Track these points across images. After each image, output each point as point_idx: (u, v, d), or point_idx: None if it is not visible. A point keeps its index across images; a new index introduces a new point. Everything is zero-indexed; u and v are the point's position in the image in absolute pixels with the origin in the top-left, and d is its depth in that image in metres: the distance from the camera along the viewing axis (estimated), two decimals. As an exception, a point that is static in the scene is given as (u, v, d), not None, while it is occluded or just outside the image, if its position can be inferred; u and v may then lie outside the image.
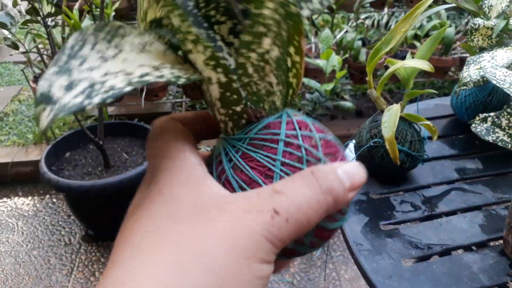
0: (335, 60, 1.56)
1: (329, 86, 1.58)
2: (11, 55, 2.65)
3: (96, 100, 0.18)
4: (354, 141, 0.77)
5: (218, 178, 0.24)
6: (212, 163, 0.25)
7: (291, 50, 0.23)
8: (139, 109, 1.81)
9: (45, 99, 0.18)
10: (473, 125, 0.62)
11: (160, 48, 0.22)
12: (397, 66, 0.69)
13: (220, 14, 0.23)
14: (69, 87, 0.18)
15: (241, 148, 0.23)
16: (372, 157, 0.71)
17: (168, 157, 0.22)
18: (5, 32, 1.37)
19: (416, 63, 0.67)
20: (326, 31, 1.55)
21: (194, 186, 0.21)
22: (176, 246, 0.19)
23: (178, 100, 1.97)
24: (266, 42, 0.21)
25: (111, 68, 0.19)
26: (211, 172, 0.24)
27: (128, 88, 0.18)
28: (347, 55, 1.79)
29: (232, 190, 0.22)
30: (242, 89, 0.23)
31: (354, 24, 1.77)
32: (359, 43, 1.71)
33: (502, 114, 0.60)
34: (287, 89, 0.24)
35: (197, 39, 0.21)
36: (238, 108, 0.23)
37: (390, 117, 0.68)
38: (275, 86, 0.24)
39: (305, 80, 1.65)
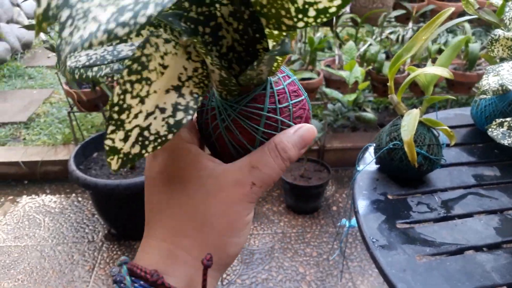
0: (358, 71, 1.59)
1: (352, 97, 1.60)
2: (49, 57, 2.77)
3: (150, 149, 0.24)
4: (374, 144, 0.79)
5: (213, 129, 0.31)
6: (205, 113, 0.31)
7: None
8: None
9: (113, 151, 0.23)
10: (490, 129, 0.64)
11: (171, 49, 0.25)
12: (418, 72, 0.71)
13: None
14: (125, 140, 0.24)
15: (233, 114, 0.30)
16: (391, 159, 0.73)
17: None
18: (43, 35, 1.45)
19: (436, 70, 0.70)
20: (350, 43, 1.58)
21: (193, 165, 0.29)
22: (184, 216, 0.29)
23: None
24: (263, 67, 0.27)
25: (149, 108, 0.24)
26: (206, 121, 0.31)
27: (170, 136, 0.24)
28: (370, 67, 1.81)
29: (224, 143, 0.30)
30: (235, 81, 0.28)
31: (379, 38, 1.80)
32: (383, 56, 1.74)
33: (519, 119, 0.62)
34: (272, 68, 0.30)
35: (204, 51, 0.25)
36: (233, 88, 0.28)
37: (410, 121, 0.70)
38: (264, 71, 0.29)
39: (327, 90, 1.68)
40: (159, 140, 0.24)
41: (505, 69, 0.74)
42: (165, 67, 0.25)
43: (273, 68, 0.31)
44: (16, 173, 2.02)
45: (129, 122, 0.23)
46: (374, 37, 1.83)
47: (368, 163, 0.78)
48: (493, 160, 0.83)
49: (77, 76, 0.29)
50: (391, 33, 2.08)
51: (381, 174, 0.78)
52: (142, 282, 0.27)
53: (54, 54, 1.43)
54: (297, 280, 1.51)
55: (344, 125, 2.21)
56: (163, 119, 0.24)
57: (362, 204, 0.71)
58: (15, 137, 2.23)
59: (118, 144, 0.23)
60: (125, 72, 0.23)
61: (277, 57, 0.30)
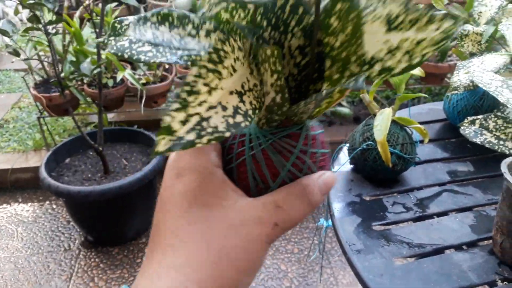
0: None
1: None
2: (12, 62, 2.68)
3: (205, 140, 0.23)
4: (347, 144, 0.78)
5: (236, 156, 0.30)
6: (232, 138, 0.30)
7: (335, 94, 0.29)
8: (138, 115, 1.82)
9: (168, 130, 0.22)
10: (462, 127, 0.64)
11: (241, 57, 0.26)
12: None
13: (298, 28, 0.28)
14: (184, 122, 0.23)
15: (264, 144, 0.29)
16: (365, 159, 0.72)
17: (197, 152, 0.28)
18: (7, 39, 1.39)
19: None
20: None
21: (216, 194, 0.28)
22: (202, 244, 0.26)
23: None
24: (318, 100, 0.28)
25: (213, 101, 0.24)
26: (230, 146, 0.30)
27: (227, 134, 0.23)
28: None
29: (245, 171, 0.29)
30: (286, 109, 0.27)
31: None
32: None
33: (490, 117, 0.62)
34: (316, 110, 0.30)
35: (275, 69, 0.25)
36: (276, 117, 0.28)
37: (382, 120, 0.69)
38: (310, 110, 0.29)
39: (302, 86, 1.67)
40: (215, 135, 0.23)
41: (475, 65, 0.74)
42: (234, 70, 0.25)
43: (317, 111, 0.30)
44: (-15, 182, 1.95)
45: (193, 106, 0.23)
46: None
47: (342, 164, 0.77)
48: (466, 155, 0.84)
49: (126, 56, 0.27)
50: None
51: (355, 174, 0.77)
52: None
53: (18, 58, 1.38)
54: (279, 278, 1.50)
55: (321, 120, 2.21)
56: (223, 116, 0.24)
57: (338, 207, 0.70)
58: (-17, 144, 2.15)
59: (175, 125, 0.23)
60: (205, 57, 0.24)
61: (323, 104, 0.30)
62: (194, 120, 0.23)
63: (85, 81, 1.76)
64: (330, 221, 0.71)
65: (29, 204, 1.89)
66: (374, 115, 0.73)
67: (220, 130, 0.23)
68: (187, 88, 0.23)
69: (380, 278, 0.57)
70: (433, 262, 0.60)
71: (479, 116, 0.63)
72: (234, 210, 0.27)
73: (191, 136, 0.23)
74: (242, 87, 0.26)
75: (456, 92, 0.74)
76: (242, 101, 0.25)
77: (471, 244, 0.64)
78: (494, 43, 0.80)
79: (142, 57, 0.27)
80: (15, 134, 2.18)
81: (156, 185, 1.71)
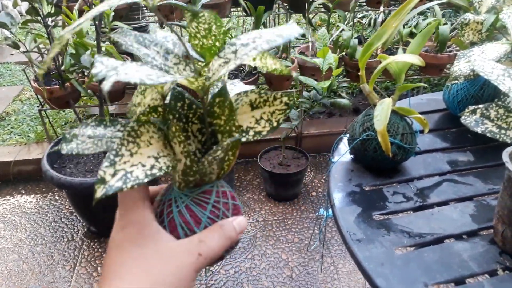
0: (332, 58, 1.58)
1: (326, 84, 1.59)
2: (12, 54, 2.68)
3: (129, 185, 0.33)
4: (347, 135, 0.78)
5: (166, 215, 0.39)
6: (162, 203, 0.40)
7: (230, 153, 0.40)
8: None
9: (102, 181, 0.32)
10: (463, 117, 0.64)
11: (156, 137, 0.38)
12: (388, 61, 0.71)
13: (195, 118, 0.41)
14: (113, 175, 0.33)
15: (186, 201, 0.39)
16: (365, 149, 0.73)
17: (136, 212, 0.37)
18: (6, 32, 1.39)
19: (407, 57, 0.69)
20: (322, 30, 1.57)
21: (152, 238, 0.36)
22: (142, 273, 0.35)
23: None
24: (219, 154, 0.38)
25: (134, 161, 0.34)
26: (161, 210, 0.40)
27: (146, 179, 0.34)
28: (343, 53, 1.80)
29: (174, 225, 0.38)
30: (196, 169, 0.38)
31: (351, 23, 1.78)
32: (355, 41, 1.73)
33: (491, 106, 0.62)
34: (221, 170, 0.41)
35: (180, 140, 0.37)
36: (191, 178, 0.39)
37: (382, 110, 0.70)
38: (215, 170, 0.40)
39: (302, 78, 1.67)
40: (137, 181, 0.33)
41: (476, 54, 0.74)
42: (150, 143, 0.37)
43: (222, 172, 0.41)
44: (-12, 174, 1.96)
45: (119, 164, 0.34)
46: (346, 22, 1.82)
47: (342, 154, 0.77)
48: (467, 145, 0.84)
49: (74, 153, 0.40)
50: (363, 17, 2.07)
51: (356, 164, 0.77)
52: None
53: (17, 51, 1.38)
54: (280, 267, 1.51)
55: (320, 111, 2.21)
56: (143, 170, 0.34)
57: (338, 197, 0.70)
58: (-16, 137, 2.15)
59: (107, 177, 0.33)
60: (126, 132, 0.35)
61: (224, 165, 0.41)
62: (121, 173, 0.33)
63: (85, 73, 1.75)
64: (330, 211, 0.72)
65: (32, 195, 1.90)
66: (374, 105, 0.73)
67: (140, 179, 0.34)
68: (113, 152, 0.34)
69: (381, 267, 0.58)
70: (434, 251, 0.61)
71: (480, 106, 0.63)
72: (167, 247, 0.36)
73: (119, 184, 0.32)
74: (158, 154, 0.37)
75: (456, 81, 0.74)
76: (157, 161, 0.36)
77: (472, 234, 0.64)
78: (495, 32, 0.80)
79: (86, 151, 0.38)
80: (17, 127, 2.19)
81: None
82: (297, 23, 1.78)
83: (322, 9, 1.93)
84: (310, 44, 1.82)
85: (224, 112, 0.39)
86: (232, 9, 1.97)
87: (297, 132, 2.03)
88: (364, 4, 1.85)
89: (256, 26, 1.84)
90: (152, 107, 0.39)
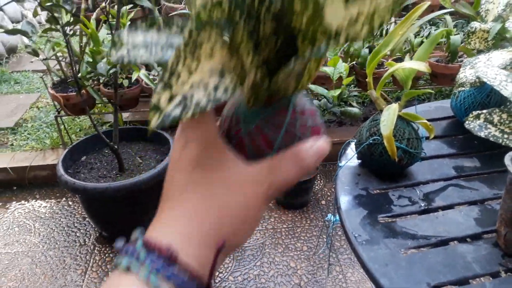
0: (342, 67, 1.60)
1: (336, 92, 1.61)
2: (32, 62, 2.74)
3: (189, 113, 0.26)
4: (355, 140, 0.80)
5: (234, 134, 0.33)
6: (229, 120, 0.34)
7: (312, 63, 0.32)
8: (143, 116, 1.86)
9: (156, 108, 0.26)
10: (467, 122, 0.65)
11: (219, 44, 0.30)
12: (396, 67, 0.72)
13: (269, 15, 0.31)
14: (169, 100, 0.27)
15: (256, 120, 0.33)
16: (372, 154, 0.74)
17: (200, 128, 0.32)
18: (26, 40, 1.44)
19: (413, 64, 0.71)
20: (334, 39, 1.59)
21: (218, 160, 0.31)
22: (205, 201, 0.31)
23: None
24: (297, 67, 0.30)
25: (194, 80, 0.28)
26: (228, 128, 0.34)
27: (209, 106, 0.27)
28: (354, 63, 1.82)
29: (243, 147, 0.33)
30: (267, 85, 0.31)
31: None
32: (366, 51, 1.75)
33: (494, 111, 0.63)
34: (298, 84, 0.33)
35: (250, 47, 0.29)
36: (262, 95, 0.32)
37: (389, 115, 0.71)
38: (291, 85, 0.32)
39: (312, 86, 1.69)
40: (198, 108, 0.27)
41: (482, 61, 0.75)
42: (211, 54, 0.29)
43: (299, 86, 0.33)
44: (4, 179, 2.00)
45: (176, 87, 0.27)
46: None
47: (349, 158, 0.79)
48: (473, 151, 0.85)
49: (125, 62, 0.32)
50: (374, 27, 2.08)
51: (362, 169, 0.79)
52: (155, 257, 0.28)
53: (37, 58, 1.43)
54: (289, 275, 1.52)
55: (331, 120, 2.22)
56: (205, 93, 0.28)
57: (345, 200, 0.72)
58: (2, 143, 2.21)
59: (163, 103, 0.27)
60: (182, 43, 0.28)
61: (304, 79, 0.33)
62: (179, 97, 0.27)
63: (101, 81, 1.80)
64: (338, 216, 0.73)
65: (46, 200, 1.94)
66: (381, 111, 0.74)
67: (202, 104, 0.27)
68: (167, 72, 0.27)
69: (385, 268, 0.59)
70: (438, 253, 0.61)
71: (484, 111, 0.64)
72: (235, 172, 0.31)
73: (177, 111, 0.26)
74: (222, 68, 0.30)
75: (462, 88, 0.76)
76: (222, 79, 0.29)
77: (476, 237, 0.65)
78: (501, 40, 0.81)
79: (139, 59, 0.31)
80: (33, 133, 2.24)
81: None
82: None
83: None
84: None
85: (307, 8, 0.30)
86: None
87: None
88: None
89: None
90: (216, 2, 0.31)
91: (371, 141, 0.74)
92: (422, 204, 0.71)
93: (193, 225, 0.30)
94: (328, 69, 1.62)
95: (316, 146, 0.33)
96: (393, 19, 1.86)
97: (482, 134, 0.61)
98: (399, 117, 0.74)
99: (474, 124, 0.63)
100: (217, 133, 0.33)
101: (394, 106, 0.72)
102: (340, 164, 0.79)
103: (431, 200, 0.71)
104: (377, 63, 0.74)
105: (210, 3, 0.31)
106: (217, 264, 0.31)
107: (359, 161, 0.80)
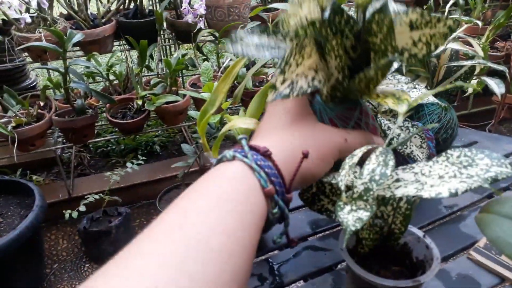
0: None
1: (216, 118, 1.52)
2: None
3: (295, 94, 0.40)
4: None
5: None
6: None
7: (379, 72, 0.41)
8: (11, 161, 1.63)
9: (274, 87, 0.39)
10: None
11: (315, 50, 0.42)
12: (227, 127, 0.64)
13: (350, 33, 0.42)
14: (283, 82, 0.40)
15: (330, 114, 0.45)
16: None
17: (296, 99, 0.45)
18: None
19: (244, 122, 0.62)
20: (205, 64, 1.49)
21: (308, 114, 0.45)
22: (303, 136, 0.43)
23: (66, 145, 1.82)
24: (372, 73, 0.40)
25: (299, 71, 0.41)
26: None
27: (309, 90, 0.41)
28: (235, 82, 1.75)
29: None
30: (346, 85, 0.42)
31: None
32: (244, 70, 1.68)
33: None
34: (366, 89, 0.42)
35: (337, 54, 0.41)
36: (338, 93, 0.43)
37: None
38: (362, 88, 0.42)
39: (192, 113, 1.58)
40: (301, 91, 0.40)
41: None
42: (310, 56, 0.42)
43: (368, 90, 0.42)
44: None
45: (287, 73, 0.40)
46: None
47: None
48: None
49: (239, 52, 0.43)
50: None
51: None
52: (255, 152, 0.39)
53: None
54: None
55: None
56: (305, 80, 0.41)
57: None
58: None
59: (278, 84, 0.39)
60: (294, 45, 0.40)
61: (371, 84, 0.42)
62: (289, 81, 0.40)
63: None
64: None
65: None
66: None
67: (304, 88, 0.40)
68: (284, 62, 0.39)
69: None
70: None
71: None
72: (319, 124, 0.44)
73: (287, 91, 0.40)
74: (316, 66, 0.42)
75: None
76: (316, 74, 0.42)
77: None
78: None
79: (249, 53, 0.41)
80: None
81: (42, 242, 1.55)
82: (183, 54, 1.70)
83: (211, 38, 1.86)
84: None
85: (382, 30, 0.39)
86: (115, 43, 1.84)
87: (200, 165, 1.94)
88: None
89: (142, 60, 1.73)
90: (311, 21, 0.41)
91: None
92: (274, 281, 0.63)
93: (285, 143, 0.42)
94: (205, 95, 1.52)
95: (375, 137, 0.47)
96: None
97: (314, 208, 0.54)
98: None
99: (307, 195, 0.56)
100: (308, 103, 0.46)
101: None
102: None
103: (284, 273, 0.64)
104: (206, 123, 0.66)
105: (305, 23, 0.41)
106: (292, 185, 0.41)
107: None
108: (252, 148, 0.40)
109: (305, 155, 0.40)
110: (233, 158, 0.39)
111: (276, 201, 0.39)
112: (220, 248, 0.32)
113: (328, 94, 0.43)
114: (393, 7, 0.44)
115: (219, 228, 0.33)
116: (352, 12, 0.42)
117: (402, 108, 0.39)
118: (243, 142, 0.40)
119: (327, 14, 0.40)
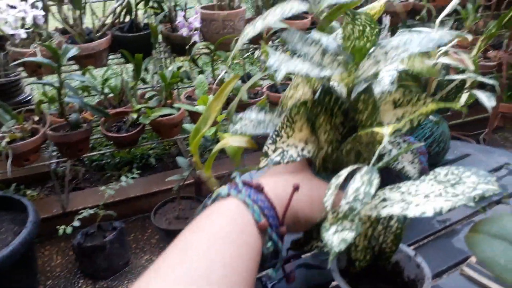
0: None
1: (211, 131, 1.52)
2: None
3: (285, 161, 0.45)
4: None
5: None
6: None
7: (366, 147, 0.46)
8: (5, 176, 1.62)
9: (266, 155, 0.45)
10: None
11: (306, 125, 0.47)
12: (219, 146, 0.64)
13: (339, 111, 0.46)
14: (274, 151, 0.45)
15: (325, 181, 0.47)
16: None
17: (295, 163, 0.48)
18: None
19: (236, 140, 0.63)
20: (200, 77, 1.50)
21: (308, 171, 0.50)
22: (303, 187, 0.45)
23: (61, 159, 1.82)
24: (356, 145, 0.46)
25: (290, 142, 0.46)
26: None
27: (298, 159, 0.46)
28: (230, 94, 1.75)
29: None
30: (335, 157, 0.47)
31: (235, 62, 1.75)
32: (239, 82, 1.68)
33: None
34: (357, 161, 0.48)
35: (325, 130, 0.46)
36: (329, 165, 0.48)
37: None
38: (352, 160, 0.47)
39: (187, 126, 1.59)
40: (291, 159, 0.45)
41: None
42: (301, 130, 0.47)
43: (358, 161, 0.46)
44: None
45: (279, 143, 0.45)
46: (229, 63, 1.78)
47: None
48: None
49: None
50: (249, 55, 2.05)
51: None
52: (248, 187, 0.43)
53: None
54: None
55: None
56: (295, 150, 0.46)
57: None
58: None
59: (270, 152, 0.45)
60: (285, 118, 0.46)
61: (360, 159, 0.47)
62: (279, 150, 0.45)
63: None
64: None
65: None
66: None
67: (293, 157, 0.45)
68: (275, 132, 0.45)
69: None
70: None
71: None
72: (316, 178, 0.49)
73: (278, 158, 0.44)
74: (306, 139, 0.47)
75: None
76: (306, 145, 0.47)
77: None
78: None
79: (248, 131, 0.50)
80: None
81: (36, 258, 1.54)
82: (179, 67, 1.70)
83: (206, 50, 1.87)
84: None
85: (367, 108, 0.43)
86: (110, 57, 1.85)
87: (196, 178, 1.94)
88: (247, 42, 1.82)
89: (137, 73, 1.74)
90: (302, 102, 0.47)
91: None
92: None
93: (278, 182, 0.46)
94: (200, 108, 1.53)
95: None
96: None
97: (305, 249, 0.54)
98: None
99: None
100: (306, 162, 0.50)
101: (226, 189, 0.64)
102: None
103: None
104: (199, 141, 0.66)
105: (298, 103, 0.47)
106: (292, 203, 0.43)
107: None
108: (245, 184, 0.43)
109: (296, 188, 0.43)
110: (228, 195, 0.43)
111: (269, 235, 0.41)
112: (220, 281, 0.35)
113: (320, 166, 0.47)
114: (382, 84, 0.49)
115: (218, 263, 0.36)
116: (340, 87, 0.46)
117: (386, 131, 0.39)
118: (237, 178, 0.44)
119: (317, 95, 0.46)
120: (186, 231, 0.40)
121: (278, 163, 0.43)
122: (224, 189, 0.44)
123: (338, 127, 0.47)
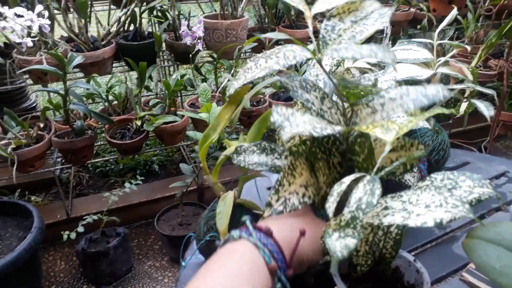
0: (217, 111, 1.53)
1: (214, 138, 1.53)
2: None
3: (288, 210, 0.48)
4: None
5: None
6: None
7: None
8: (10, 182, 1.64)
9: (269, 205, 0.48)
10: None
11: (305, 167, 0.50)
12: (226, 153, 0.66)
13: (337, 152, 0.50)
14: (277, 200, 0.48)
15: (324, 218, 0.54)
16: (211, 251, 0.66)
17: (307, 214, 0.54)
18: None
19: (241, 149, 0.64)
20: (203, 85, 1.52)
21: (310, 213, 0.54)
22: (295, 224, 0.50)
23: (65, 166, 1.83)
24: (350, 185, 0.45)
25: (291, 189, 0.49)
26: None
27: (300, 206, 0.49)
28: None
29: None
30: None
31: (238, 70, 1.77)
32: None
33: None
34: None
35: (324, 173, 0.50)
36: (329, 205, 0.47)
37: (224, 206, 0.64)
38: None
39: (191, 133, 1.60)
40: (293, 207, 0.48)
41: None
42: (301, 174, 0.50)
43: None
44: None
45: (280, 192, 0.48)
46: (232, 71, 1.80)
47: (190, 258, 0.70)
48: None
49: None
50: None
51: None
52: (258, 231, 0.46)
53: None
54: None
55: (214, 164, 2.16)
56: (297, 198, 0.49)
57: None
58: None
59: (273, 202, 0.48)
60: (286, 167, 0.49)
61: None
62: (282, 199, 0.48)
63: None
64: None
65: None
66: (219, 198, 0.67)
67: (296, 205, 0.48)
68: (278, 182, 0.48)
69: None
70: None
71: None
72: (318, 218, 0.53)
73: (281, 208, 0.48)
74: (306, 183, 0.49)
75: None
76: (307, 190, 0.49)
77: None
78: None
79: (250, 167, 0.51)
80: None
81: (40, 263, 1.55)
82: (182, 75, 1.73)
83: (209, 58, 1.89)
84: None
85: (364, 151, 0.46)
86: (114, 65, 1.87)
87: (198, 184, 1.95)
88: (249, 51, 1.84)
89: (141, 81, 1.76)
90: (302, 141, 0.50)
91: (208, 238, 0.66)
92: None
93: (284, 225, 0.49)
94: (203, 115, 1.55)
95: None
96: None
97: None
98: (238, 206, 0.67)
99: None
100: (309, 209, 0.54)
101: (230, 195, 0.65)
102: (183, 263, 0.70)
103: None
104: (207, 147, 0.67)
105: (298, 141, 0.50)
106: (298, 247, 0.46)
107: (203, 258, 0.71)
108: (255, 227, 0.46)
109: (302, 233, 0.46)
110: (239, 237, 0.46)
111: (278, 277, 0.44)
112: None
113: (319, 203, 0.50)
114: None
115: None
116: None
117: (389, 136, 0.40)
118: (248, 222, 0.48)
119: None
120: (202, 271, 0.42)
121: (281, 212, 0.47)
122: (236, 232, 0.47)
123: (336, 167, 0.50)
